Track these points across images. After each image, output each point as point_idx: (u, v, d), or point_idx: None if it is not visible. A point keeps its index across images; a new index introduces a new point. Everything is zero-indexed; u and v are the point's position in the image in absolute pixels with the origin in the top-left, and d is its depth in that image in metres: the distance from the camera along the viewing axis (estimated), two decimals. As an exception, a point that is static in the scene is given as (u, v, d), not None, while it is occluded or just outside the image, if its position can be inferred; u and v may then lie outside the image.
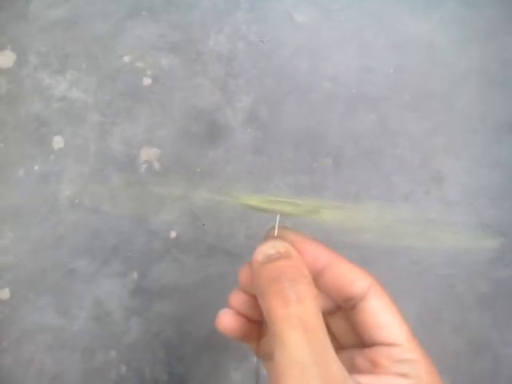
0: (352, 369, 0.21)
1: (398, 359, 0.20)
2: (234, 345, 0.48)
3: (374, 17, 0.52)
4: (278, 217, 0.24)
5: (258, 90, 0.50)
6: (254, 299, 0.24)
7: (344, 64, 0.51)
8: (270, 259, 0.21)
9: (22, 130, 0.48)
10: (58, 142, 0.48)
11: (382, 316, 0.21)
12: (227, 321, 0.25)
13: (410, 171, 0.51)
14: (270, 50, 0.51)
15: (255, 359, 0.48)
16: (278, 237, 0.23)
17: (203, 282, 0.48)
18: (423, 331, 0.50)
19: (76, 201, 0.48)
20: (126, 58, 0.49)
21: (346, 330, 0.23)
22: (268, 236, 0.24)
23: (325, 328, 0.18)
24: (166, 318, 0.48)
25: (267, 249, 0.21)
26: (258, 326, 0.25)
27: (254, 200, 0.25)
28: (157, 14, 0.50)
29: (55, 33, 0.49)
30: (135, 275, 0.48)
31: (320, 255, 0.22)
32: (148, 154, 0.49)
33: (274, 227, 0.23)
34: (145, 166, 0.48)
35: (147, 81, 0.49)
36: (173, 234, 0.48)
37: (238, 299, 0.25)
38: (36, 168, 0.47)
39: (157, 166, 0.49)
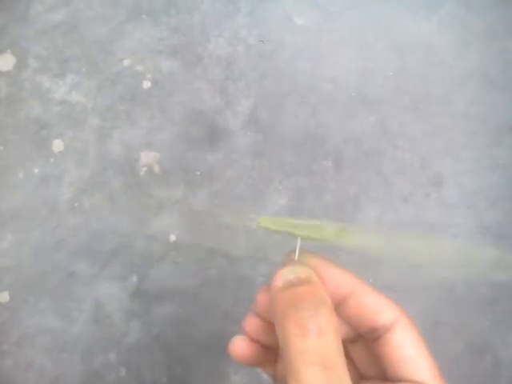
0: None
1: None
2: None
3: (373, 19, 0.52)
4: (298, 240, 0.22)
5: (257, 93, 0.50)
6: (270, 325, 0.22)
7: (344, 66, 0.51)
8: (290, 285, 0.19)
9: (22, 134, 0.48)
10: (57, 145, 0.48)
11: (409, 350, 0.20)
12: (241, 348, 0.23)
13: (410, 173, 0.51)
14: (269, 53, 0.51)
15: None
16: (299, 261, 0.22)
17: (203, 284, 0.48)
18: (423, 333, 0.50)
19: (76, 204, 0.48)
20: (126, 62, 0.50)
21: (368, 361, 0.22)
22: (288, 260, 0.22)
23: (345, 365, 0.17)
24: (166, 320, 0.48)
25: (287, 274, 0.20)
26: (273, 351, 0.24)
27: (273, 223, 0.23)
28: (157, 18, 0.50)
29: (55, 36, 0.49)
30: (135, 278, 0.48)
31: (343, 282, 0.21)
32: (148, 157, 0.49)
33: (294, 251, 0.22)
34: (144, 169, 0.48)
35: (147, 84, 0.49)
36: (172, 237, 0.48)
37: (252, 324, 0.23)
38: (36, 171, 0.48)
39: (156, 169, 0.49)
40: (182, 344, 0.48)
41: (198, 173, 0.49)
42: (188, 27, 0.50)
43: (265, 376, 0.48)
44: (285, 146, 0.50)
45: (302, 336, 0.17)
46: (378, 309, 0.20)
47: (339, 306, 0.21)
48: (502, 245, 0.50)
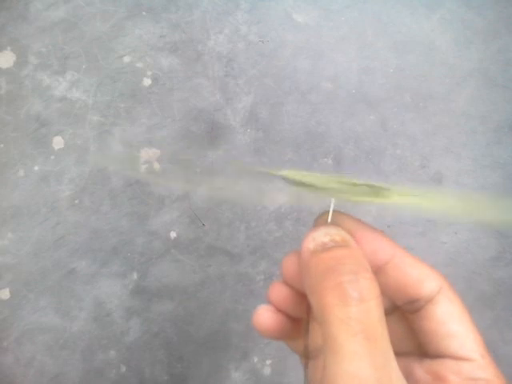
0: (409, 381, 0.18)
1: (470, 377, 0.17)
2: (234, 345, 0.48)
3: (374, 17, 0.52)
4: (332, 200, 0.19)
5: (257, 91, 0.50)
6: (298, 294, 0.21)
7: (344, 64, 0.51)
8: (324, 248, 0.17)
9: (22, 131, 0.48)
10: (58, 142, 0.48)
11: (454, 324, 0.18)
12: (266, 319, 0.21)
13: (410, 172, 0.51)
14: (269, 51, 0.51)
15: (255, 359, 0.48)
16: (333, 223, 0.19)
17: (203, 282, 0.48)
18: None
19: (76, 201, 0.48)
20: (126, 59, 0.49)
21: (404, 335, 0.20)
22: (319, 222, 0.20)
23: (388, 337, 0.16)
24: (166, 318, 0.48)
25: (320, 236, 0.18)
26: (300, 323, 0.22)
27: (301, 176, 0.20)
28: (157, 15, 0.50)
29: (55, 33, 0.49)
30: (135, 275, 0.48)
31: (381, 247, 0.19)
32: (148, 154, 0.49)
33: (326, 212, 0.19)
34: (145, 166, 0.48)
35: (147, 81, 0.49)
36: (173, 235, 0.48)
37: (279, 293, 0.21)
38: (36, 168, 0.47)
39: (157, 166, 0.49)
40: (183, 341, 0.47)
41: (199, 170, 0.49)
42: (188, 24, 0.50)
43: (265, 372, 0.48)
44: (285, 143, 0.50)
45: (342, 303, 0.15)
46: (421, 277, 0.18)
47: (377, 275, 0.18)
48: (501, 243, 0.50)
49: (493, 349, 0.49)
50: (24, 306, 0.46)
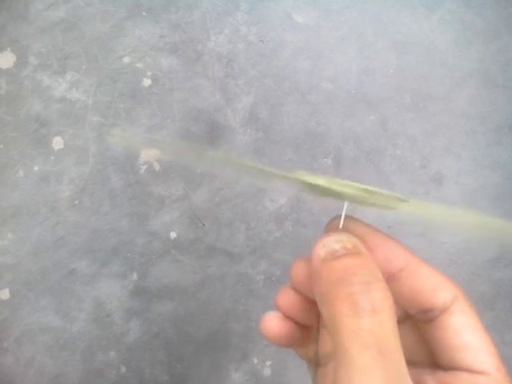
0: None
1: None
2: (234, 345, 0.48)
3: (373, 18, 0.52)
4: (345, 204, 0.19)
5: (257, 91, 0.50)
6: (307, 301, 0.20)
7: (344, 65, 0.51)
8: (335, 255, 0.17)
9: (22, 131, 0.48)
10: (57, 142, 0.48)
11: (468, 336, 0.17)
12: (274, 326, 0.20)
13: (410, 172, 0.51)
14: (269, 51, 0.51)
15: (255, 360, 0.48)
16: (344, 229, 0.19)
17: (203, 282, 0.48)
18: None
19: (76, 201, 0.48)
20: (126, 59, 0.49)
21: (416, 344, 0.19)
22: (331, 227, 0.19)
23: (401, 349, 0.15)
24: (166, 318, 0.48)
25: (331, 243, 0.17)
26: (308, 331, 0.21)
27: (315, 179, 0.19)
28: (157, 15, 0.50)
29: (55, 34, 0.49)
30: (135, 276, 0.48)
31: (395, 255, 0.18)
32: (148, 154, 0.49)
33: (338, 217, 0.19)
34: (145, 166, 0.48)
35: (147, 82, 0.49)
36: (173, 235, 0.48)
37: (287, 300, 0.20)
38: (36, 169, 0.47)
39: (157, 166, 0.49)
40: (183, 342, 0.47)
41: (198, 170, 0.49)
42: (188, 24, 0.50)
43: (265, 373, 0.48)
44: (285, 143, 0.50)
45: (353, 314, 0.15)
46: (435, 287, 0.18)
47: (390, 283, 0.18)
48: (501, 244, 0.50)
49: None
50: (24, 306, 0.46)
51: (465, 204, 0.50)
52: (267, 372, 0.48)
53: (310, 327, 0.21)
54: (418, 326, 0.19)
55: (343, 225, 0.19)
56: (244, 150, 0.49)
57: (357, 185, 0.18)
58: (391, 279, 0.18)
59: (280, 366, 0.48)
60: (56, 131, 0.48)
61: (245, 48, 0.51)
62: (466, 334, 0.17)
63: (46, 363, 0.46)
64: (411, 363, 0.18)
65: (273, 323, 0.20)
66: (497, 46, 0.52)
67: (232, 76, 0.50)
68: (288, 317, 0.21)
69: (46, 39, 0.49)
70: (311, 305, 0.19)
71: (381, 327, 0.15)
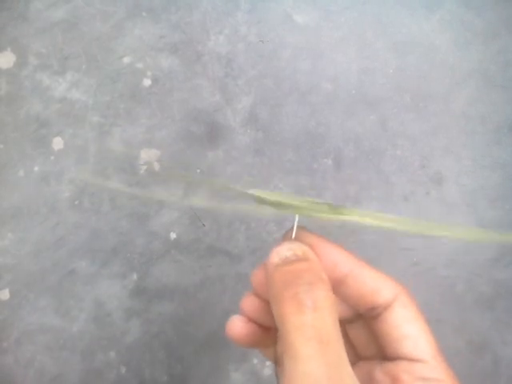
0: (370, 383, 0.20)
1: (422, 377, 0.18)
2: (234, 345, 0.48)
3: (373, 18, 0.52)
4: (296, 217, 0.21)
5: (257, 91, 0.50)
6: (268, 305, 0.22)
7: (344, 65, 0.51)
8: (286, 262, 0.19)
9: (22, 131, 0.48)
10: (57, 143, 0.48)
11: (407, 327, 0.19)
12: (238, 328, 0.22)
13: (410, 172, 0.51)
14: (269, 51, 0.51)
15: (255, 360, 0.48)
16: (296, 239, 0.21)
17: (203, 282, 0.48)
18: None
19: (76, 202, 0.48)
20: (126, 59, 0.49)
21: (366, 340, 0.21)
22: (285, 238, 0.22)
23: (341, 340, 0.17)
24: (166, 318, 0.48)
25: (283, 251, 0.20)
26: (270, 332, 0.23)
27: (268, 195, 0.22)
28: (157, 15, 0.50)
29: (55, 34, 0.49)
30: (135, 276, 0.48)
31: (341, 261, 0.20)
32: (148, 154, 0.49)
33: (291, 228, 0.21)
34: (145, 166, 0.48)
35: (147, 82, 0.49)
36: (173, 235, 0.48)
37: (250, 304, 0.23)
38: (36, 169, 0.47)
39: (157, 166, 0.49)
40: (182, 342, 0.48)
41: (198, 170, 0.49)
42: (188, 24, 0.50)
43: (265, 373, 0.48)
44: (285, 144, 0.50)
45: (297, 312, 0.17)
46: (378, 287, 0.20)
47: (338, 287, 0.20)
48: (501, 244, 0.50)
49: (492, 350, 0.49)
50: (24, 306, 0.46)
51: (464, 204, 0.50)
52: (267, 372, 0.48)
53: (272, 329, 0.23)
54: (367, 323, 0.21)
55: (296, 235, 0.21)
56: (244, 151, 0.49)
57: (306, 198, 0.21)
58: (340, 283, 0.20)
59: (280, 366, 0.48)
60: (56, 131, 0.48)
61: (245, 48, 0.51)
62: (405, 326, 0.19)
63: (45, 363, 0.46)
64: (365, 358, 0.22)
65: (237, 326, 0.22)
66: (496, 47, 0.52)
67: (232, 76, 0.50)
68: (251, 320, 0.23)
69: (46, 39, 0.49)
70: (271, 308, 0.21)
71: (322, 322, 0.17)
